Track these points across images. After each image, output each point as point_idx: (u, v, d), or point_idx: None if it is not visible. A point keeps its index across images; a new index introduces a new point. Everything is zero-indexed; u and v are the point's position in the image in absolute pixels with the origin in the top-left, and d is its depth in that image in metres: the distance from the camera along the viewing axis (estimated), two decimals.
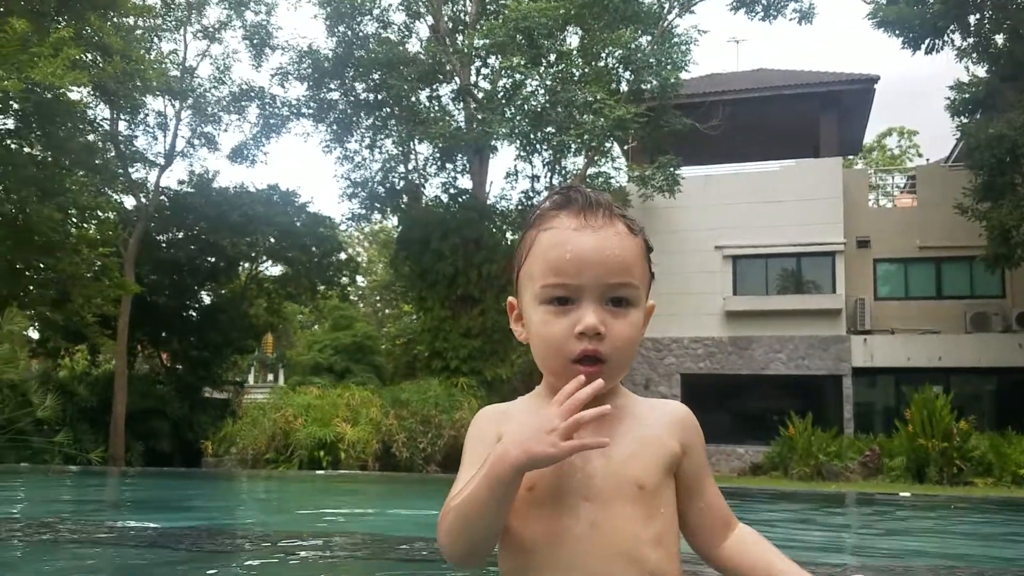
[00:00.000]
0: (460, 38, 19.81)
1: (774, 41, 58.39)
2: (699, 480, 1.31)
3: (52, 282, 16.48)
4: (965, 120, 17.90)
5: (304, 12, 63.49)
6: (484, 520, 1.15)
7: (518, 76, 18.82)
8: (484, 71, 20.93)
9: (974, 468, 13.86)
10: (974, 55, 18.08)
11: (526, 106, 18.34)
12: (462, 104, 20.62)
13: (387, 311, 33.32)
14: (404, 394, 14.89)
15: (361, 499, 9.08)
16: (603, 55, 19.09)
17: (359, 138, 21.37)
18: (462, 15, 21.27)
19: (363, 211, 21.61)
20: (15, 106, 14.84)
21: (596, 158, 19.74)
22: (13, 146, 15.81)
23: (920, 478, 13.93)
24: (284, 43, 21.16)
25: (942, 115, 18.50)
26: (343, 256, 24.11)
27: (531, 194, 21.25)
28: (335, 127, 20.87)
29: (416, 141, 20.21)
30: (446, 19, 20.81)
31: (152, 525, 5.00)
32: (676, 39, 18.74)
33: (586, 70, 19.19)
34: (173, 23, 21.22)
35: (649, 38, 18.78)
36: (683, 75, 18.89)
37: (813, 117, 20.55)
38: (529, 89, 19.17)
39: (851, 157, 28.36)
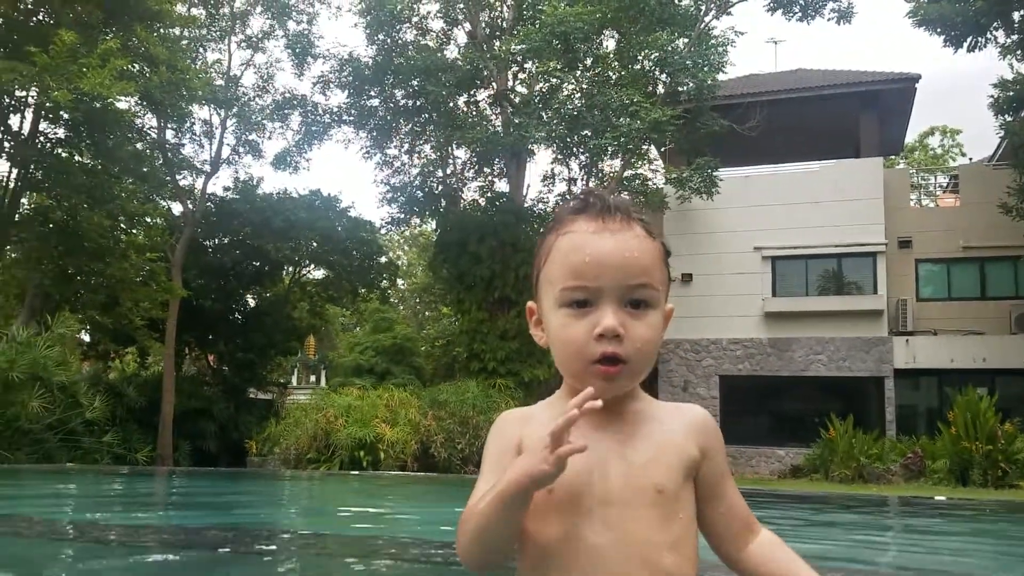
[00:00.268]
0: (497, 44, 19.98)
1: (813, 41, 57.77)
2: (719, 484, 1.31)
3: (102, 286, 16.97)
4: (1009, 118, 17.60)
5: (345, 21, 64.36)
6: (498, 534, 1.18)
7: (554, 80, 18.95)
8: (521, 76, 21.10)
9: (1019, 471, 13.59)
10: (1018, 52, 17.77)
11: (562, 110, 18.45)
12: (499, 109, 20.80)
13: (427, 313, 33.63)
14: (442, 395, 15.08)
15: (402, 500, 9.20)
16: (639, 58, 19.11)
17: (398, 144, 21.70)
18: (499, 21, 21.45)
19: (402, 215, 21.93)
20: (65, 116, 15.37)
21: (632, 160, 19.77)
22: (64, 155, 16.35)
23: (964, 481, 13.72)
24: (325, 52, 21.52)
25: (985, 113, 18.21)
26: (383, 260, 24.44)
27: (568, 197, 21.35)
28: (375, 133, 21.20)
29: (454, 146, 20.45)
30: (483, 25, 21.01)
31: (195, 524, 5.17)
32: (713, 41, 18.70)
33: (622, 73, 19.23)
34: (218, 33, 21.72)
35: (686, 40, 18.76)
36: (720, 76, 18.84)
37: (853, 117, 20.35)
38: (565, 93, 19.28)
39: (892, 157, 27.95)
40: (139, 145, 18.92)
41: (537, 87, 19.98)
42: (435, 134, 20.28)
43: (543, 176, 21.87)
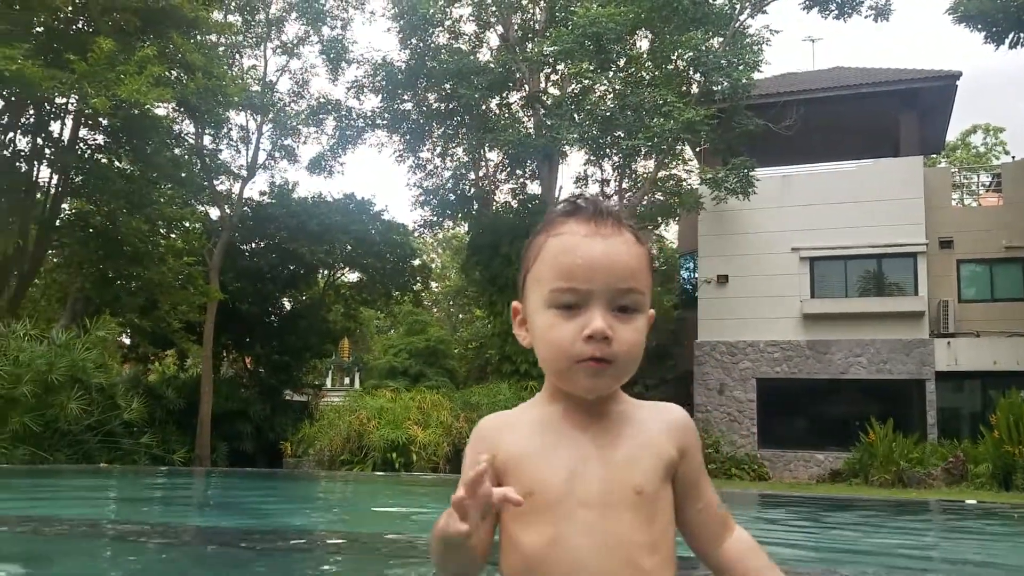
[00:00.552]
0: (529, 46, 19.99)
1: (852, 39, 56.86)
2: (697, 483, 1.33)
3: (140, 290, 17.26)
4: None
5: (378, 26, 65.05)
6: (453, 563, 1.22)
7: (586, 81, 18.87)
8: (553, 77, 21.08)
9: None
10: None
11: (595, 111, 18.37)
12: (531, 111, 20.80)
13: (460, 316, 33.73)
14: (474, 398, 15.11)
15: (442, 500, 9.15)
16: (673, 58, 18.96)
17: (431, 147, 21.81)
18: (531, 23, 21.46)
19: (435, 218, 22.03)
20: (104, 122, 15.67)
21: (666, 161, 19.63)
22: (103, 160, 16.67)
23: (1007, 485, 13.39)
24: (359, 56, 21.72)
25: None
26: (416, 262, 24.56)
27: (601, 198, 21.20)
28: (408, 137, 21.33)
29: (486, 148, 20.49)
30: (515, 28, 21.03)
31: (229, 524, 5.18)
32: (748, 40, 18.50)
33: (656, 73, 19.11)
34: (254, 40, 22.01)
35: (720, 39, 18.58)
36: (755, 76, 18.62)
37: (892, 115, 19.98)
38: (597, 94, 19.21)
39: (933, 156, 27.40)
40: (177, 151, 19.24)
41: (569, 88, 19.94)
42: (467, 137, 20.35)
43: (575, 177, 21.85)
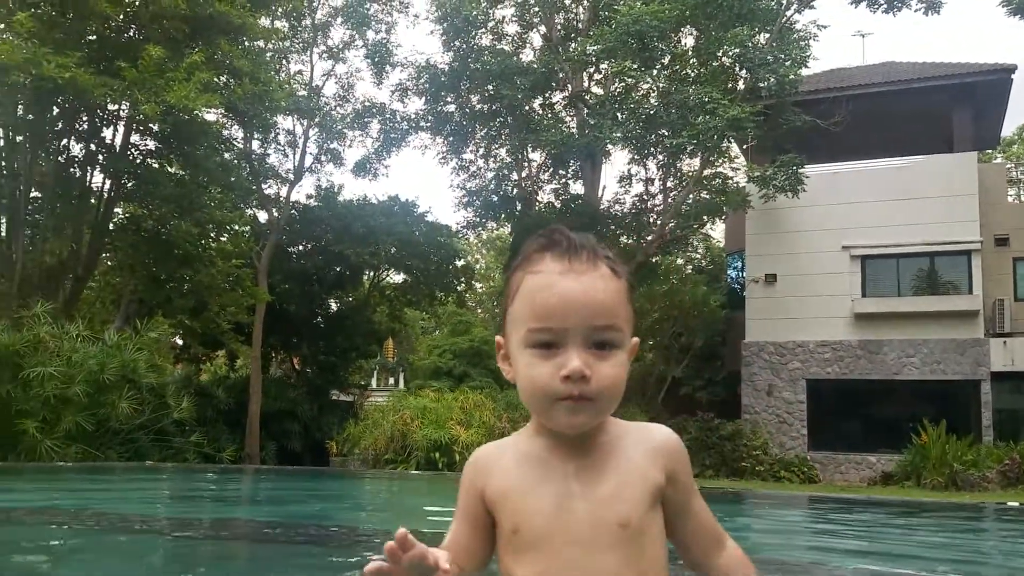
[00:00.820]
0: (572, 45, 19.91)
1: (903, 34, 55.45)
2: (686, 503, 1.34)
3: (191, 292, 17.61)
4: None
5: (422, 29, 65.37)
6: None
7: (630, 80, 18.73)
8: (596, 76, 20.97)
9: None
10: None
11: (638, 109, 18.23)
12: (574, 110, 20.73)
13: None
14: (517, 398, 15.08)
15: None
16: (718, 54, 18.73)
17: (474, 148, 21.87)
18: (574, 23, 21.38)
19: (477, 219, 22.09)
20: (155, 128, 16.03)
21: (712, 159, 19.38)
22: (154, 166, 17.05)
23: None
24: (403, 60, 21.91)
25: None
26: (460, 263, 24.67)
27: (645, 197, 21.11)
28: (451, 138, 21.43)
29: (529, 149, 20.47)
30: (558, 28, 20.99)
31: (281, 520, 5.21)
32: (795, 35, 18.17)
33: (701, 70, 18.88)
34: (300, 45, 22.33)
35: (767, 35, 18.30)
36: (803, 71, 18.29)
37: (945, 111, 19.45)
38: (641, 92, 19.05)
39: (988, 151, 26.60)
40: (227, 155, 19.58)
41: (613, 87, 19.81)
42: (510, 138, 20.36)
43: (619, 177, 21.69)
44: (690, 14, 17.93)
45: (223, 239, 19.68)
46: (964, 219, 18.14)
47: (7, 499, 5.49)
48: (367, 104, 22.49)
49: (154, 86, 13.35)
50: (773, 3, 18.67)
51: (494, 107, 20.32)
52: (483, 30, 20.92)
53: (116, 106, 15.33)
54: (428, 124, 21.60)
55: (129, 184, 16.94)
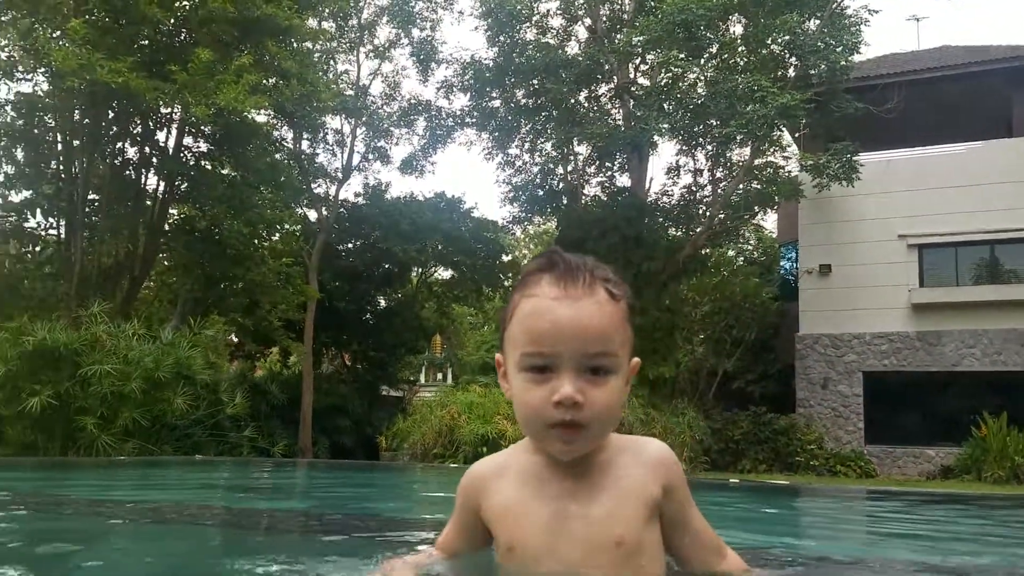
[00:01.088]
0: (618, 37, 19.74)
1: (958, 17, 53.77)
2: (684, 516, 1.35)
3: (243, 291, 17.93)
4: None
5: (466, 25, 65.58)
6: None
7: (677, 70, 18.49)
8: (643, 68, 20.77)
9: None
10: None
11: (686, 99, 18.01)
12: (620, 102, 20.56)
13: None
14: None
15: None
16: (768, 42, 18.39)
17: (519, 143, 21.83)
18: (620, 14, 21.20)
19: (523, 214, 22.06)
20: (206, 130, 16.35)
21: (763, 148, 19.04)
22: (207, 167, 17.39)
23: None
24: (448, 56, 21.98)
25: None
26: (506, 259, 24.70)
27: (694, 188, 20.84)
28: (496, 134, 21.42)
29: (574, 142, 20.35)
30: (604, 19, 20.83)
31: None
32: (846, 21, 17.74)
33: (750, 59, 18.57)
34: (347, 45, 22.57)
35: (817, 21, 17.91)
36: (855, 57, 17.87)
37: (1005, 95, 18.80)
38: (688, 82, 18.81)
39: None
40: (277, 156, 19.89)
41: (659, 78, 19.59)
42: (555, 131, 20.27)
43: (667, 168, 21.45)
44: (738, 2, 17.64)
45: (274, 238, 19.99)
46: None
47: (55, 490, 5.64)
48: (413, 102, 22.65)
49: (204, 89, 13.60)
50: None
51: (539, 101, 20.27)
52: (527, 24, 20.86)
53: (168, 109, 15.67)
54: (473, 120, 21.64)
55: (183, 186, 17.31)
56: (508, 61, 19.97)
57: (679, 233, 20.29)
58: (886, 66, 20.07)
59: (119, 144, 16.37)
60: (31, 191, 16.06)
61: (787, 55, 18.47)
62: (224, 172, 17.57)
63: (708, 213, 19.62)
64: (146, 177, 16.67)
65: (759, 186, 19.07)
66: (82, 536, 2.88)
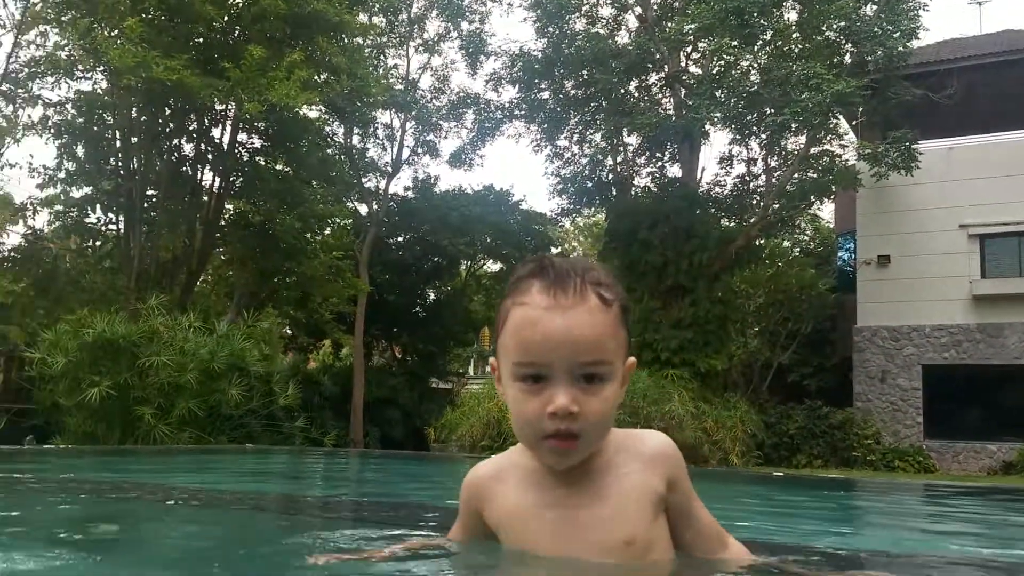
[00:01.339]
0: (669, 25, 19.48)
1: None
2: (688, 508, 1.34)
3: (295, 284, 18.19)
4: None
5: (515, 16, 65.33)
6: None
7: (729, 58, 18.19)
8: (694, 56, 20.48)
9: None
10: None
11: (739, 87, 17.71)
12: (670, 92, 20.31)
13: None
14: None
15: None
16: (823, 28, 17.99)
17: (568, 135, 21.70)
18: (671, 2, 20.92)
19: (572, 206, 21.95)
20: (260, 126, 16.61)
21: (818, 136, 18.64)
22: (261, 163, 17.66)
23: None
24: (497, 49, 21.94)
25: None
26: (554, 251, 24.64)
27: (748, 178, 20.51)
28: (545, 126, 21.30)
29: (624, 133, 20.16)
30: (654, 7, 20.57)
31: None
32: (904, 5, 17.25)
33: (805, 45, 18.19)
34: (397, 39, 22.71)
35: (874, 7, 17.45)
36: (913, 43, 17.38)
37: None
38: (741, 70, 18.48)
39: None
40: (328, 151, 20.11)
41: (711, 66, 19.28)
42: (605, 122, 20.09)
43: (719, 158, 21.14)
44: None
45: (325, 232, 20.23)
46: None
47: (114, 476, 5.79)
48: (462, 95, 22.68)
49: (256, 85, 13.80)
50: None
51: (588, 92, 20.11)
52: (577, 14, 20.69)
53: (222, 106, 15.93)
54: (522, 112, 21.56)
55: (237, 181, 17.61)
56: (557, 52, 19.84)
57: (732, 224, 19.98)
58: (946, 51, 19.48)
59: (176, 141, 16.72)
60: (91, 187, 16.51)
61: (843, 41, 18.05)
62: (277, 168, 17.81)
63: (762, 203, 19.29)
64: (202, 173, 17.02)
65: (815, 175, 18.68)
66: (137, 519, 2.95)
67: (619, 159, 21.28)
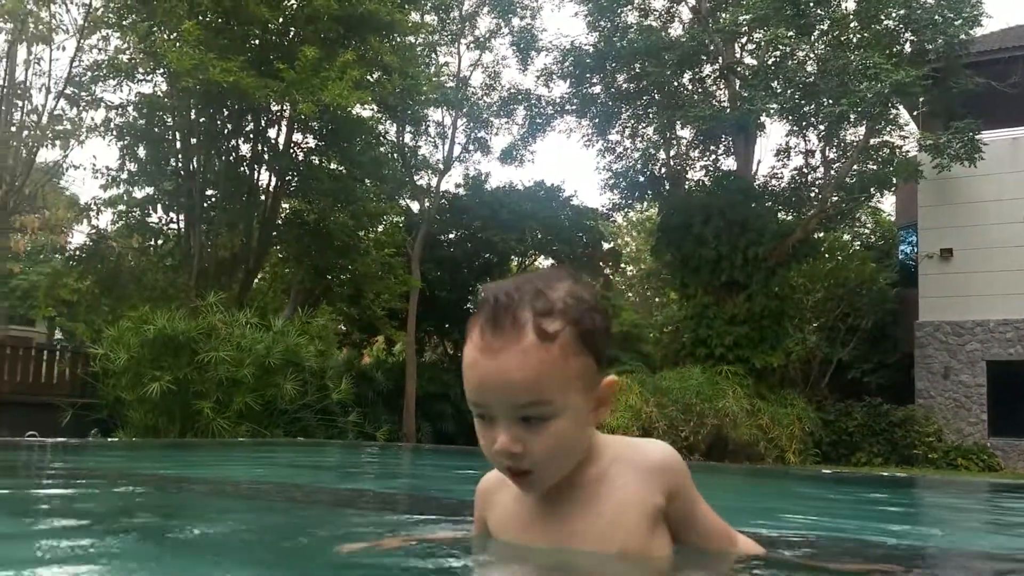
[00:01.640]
0: (723, 16, 19.21)
1: None
2: (690, 513, 1.31)
3: (349, 281, 18.42)
4: None
5: (566, 11, 65.12)
6: None
7: (785, 48, 17.85)
8: (749, 47, 20.15)
9: None
10: None
11: (795, 78, 17.39)
12: (724, 83, 20.02)
13: (656, 300, 33.18)
14: (665, 382, 14.79)
15: None
16: (881, 17, 17.55)
17: (620, 129, 21.53)
18: None
19: (623, 201, 21.78)
20: (315, 126, 16.84)
21: (878, 127, 18.19)
22: (316, 162, 17.92)
23: None
24: (548, 44, 21.89)
25: None
26: (606, 246, 24.50)
27: (805, 170, 20.13)
28: (596, 120, 21.17)
29: (677, 126, 19.95)
30: None
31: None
32: None
33: (863, 35, 17.77)
34: (448, 37, 22.80)
35: None
36: (975, 31, 16.85)
37: None
38: (797, 60, 18.14)
39: None
40: (381, 149, 20.30)
41: (766, 57, 18.95)
42: (657, 116, 19.91)
43: (776, 150, 20.77)
44: None
45: (378, 230, 20.43)
46: None
47: (176, 470, 5.93)
48: (513, 91, 22.69)
49: (310, 86, 13.98)
50: None
51: (640, 85, 19.94)
52: (629, 7, 20.53)
53: (278, 107, 16.19)
54: (573, 107, 21.47)
55: (293, 180, 17.89)
56: (609, 46, 19.70)
57: (789, 217, 19.62)
58: (1010, 39, 18.86)
59: (233, 141, 17.04)
60: (153, 188, 16.95)
61: (902, 30, 17.61)
62: (331, 167, 18.04)
63: (820, 196, 18.90)
64: (259, 173, 17.31)
65: (875, 167, 18.26)
66: (187, 509, 3.02)
67: (672, 153, 21.05)
